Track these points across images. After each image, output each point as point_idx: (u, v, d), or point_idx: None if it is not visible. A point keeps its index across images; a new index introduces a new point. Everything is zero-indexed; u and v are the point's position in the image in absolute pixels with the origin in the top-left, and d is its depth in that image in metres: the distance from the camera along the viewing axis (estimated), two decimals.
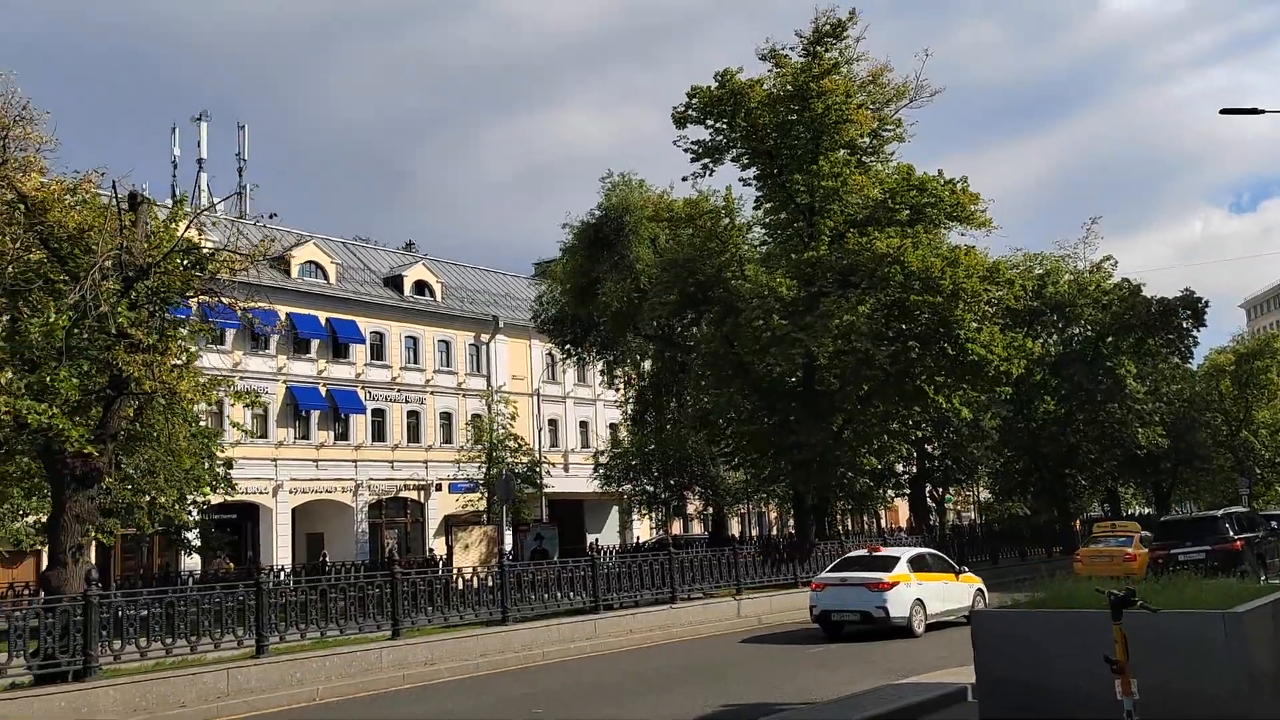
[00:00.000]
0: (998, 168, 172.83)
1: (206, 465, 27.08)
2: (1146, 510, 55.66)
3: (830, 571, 20.60)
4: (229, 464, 27.97)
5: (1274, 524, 27.79)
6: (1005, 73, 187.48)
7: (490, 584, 19.16)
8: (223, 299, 14.78)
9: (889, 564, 19.62)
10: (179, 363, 14.20)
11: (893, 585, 18.88)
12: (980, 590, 20.77)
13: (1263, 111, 24.44)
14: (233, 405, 26.75)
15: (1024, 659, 9.23)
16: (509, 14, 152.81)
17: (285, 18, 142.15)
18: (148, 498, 22.61)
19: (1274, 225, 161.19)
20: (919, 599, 19.07)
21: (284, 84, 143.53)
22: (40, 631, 12.74)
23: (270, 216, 24.73)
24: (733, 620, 23.13)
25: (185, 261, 14.33)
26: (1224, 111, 24.74)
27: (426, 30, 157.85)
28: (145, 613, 14.47)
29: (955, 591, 20.15)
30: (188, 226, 14.45)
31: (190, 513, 30.94)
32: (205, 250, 14.69)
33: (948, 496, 68.29)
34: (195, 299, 14.89)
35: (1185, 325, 37.86)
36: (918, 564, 19.97)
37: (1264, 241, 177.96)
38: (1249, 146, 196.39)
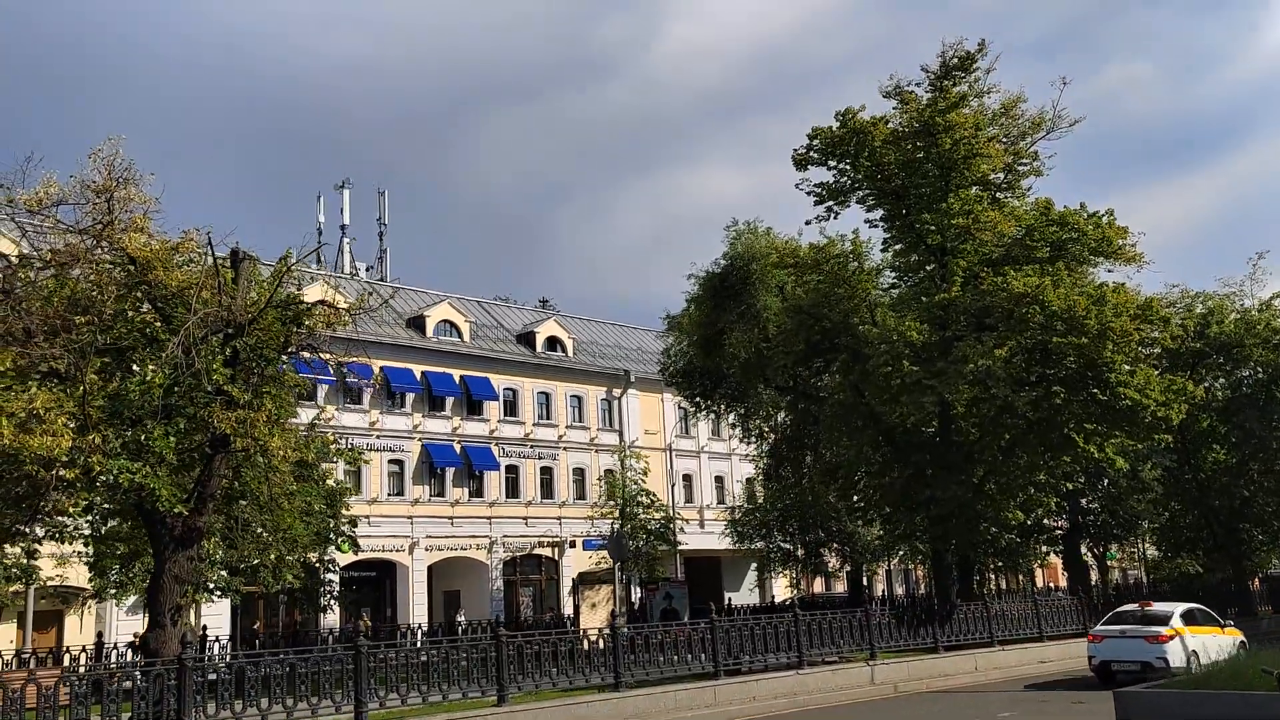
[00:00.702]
0: (1154, 208, 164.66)
1: (332, 524, 27.31)
2: None
3: (1104, 625, 21.73)
4: (353, 522, 28.02)
5: None
6: (1160, 109, 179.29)
7: (601, 646, 18.32)
8: (321, 354, 14.51)
9: (1163, 619, 21.02)
10: (275, 420, 13.97)
11: (1171, 638, 20.11)
12: (1243, 642, 21.62)
13: None
14: (336, 461, 26.84)
15: None
16: (648, 76, 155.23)
17: (431, 87, 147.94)
18: (273, 556, 22.68)
19: None
20: (1194, 650, 19.94)
21: (431, 152, 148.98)
22: (134, 695, 12.55)
23: (367, 269, 24.81)
24: (866, 687, 21.62)
25: (283, 316, 14.16)
26: None
27: (567, 94, 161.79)
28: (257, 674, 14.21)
29: (1223, 644, 21.00)
30: (280, 280, 14.30)
31: (329, 569, 31.28)
32: (302, 305, 14.50)
33: (1110, 553, 64.08)
34: (293, 354, 14.68)
35: None
36: (1188, 618, 21.33)
37: None
38: None
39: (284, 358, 15.22)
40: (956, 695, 20.88)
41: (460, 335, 49.66)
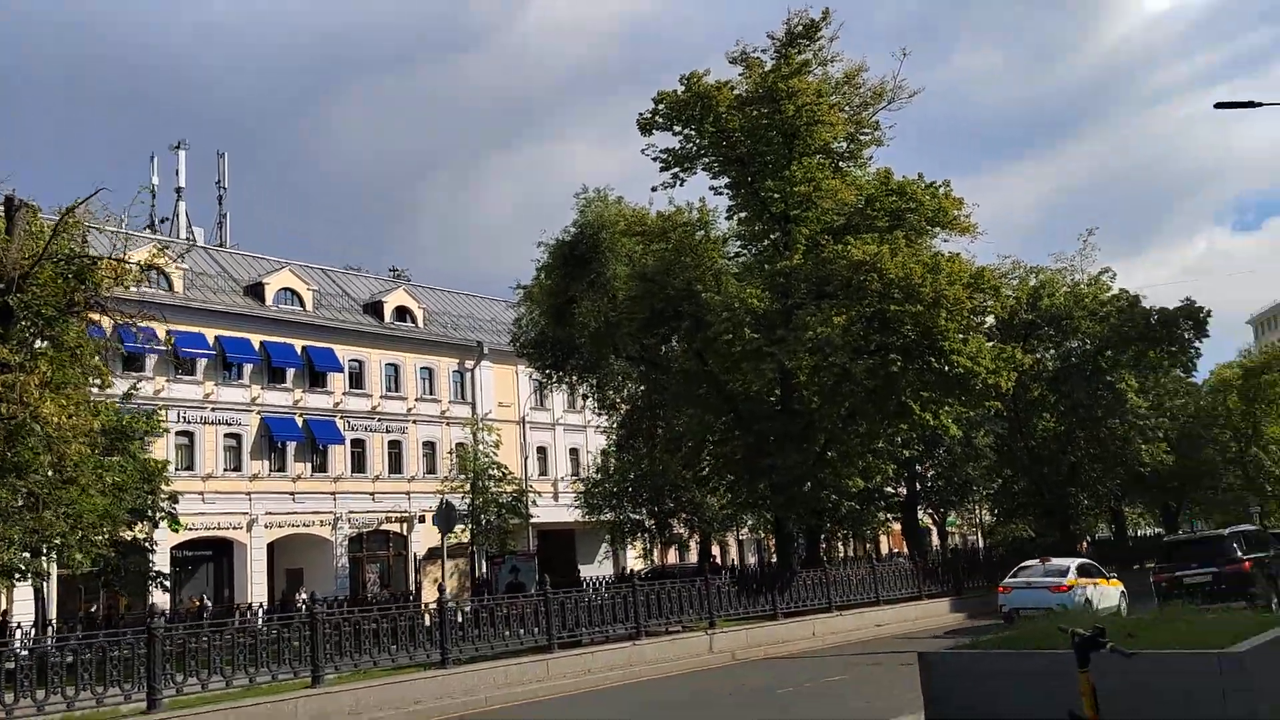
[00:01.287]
0: (999, 192, 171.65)
1: (150, 500, 25.65)
2: (1156, 530, 53.84)
3: (1011, 578, 24.68)
4: (174, 498, 26.38)
5: None
6: (1006, 98, 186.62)
7: (428, 623, 17.57)
8: (111, 315, 13.23)
9: (1062, 571, 23.90)
10: (50, 384, 12.66)
11: (1070, 588, 22.71)
12: (1123, 592, 24.51)
13: (1259, 105, 23.04)
14: (160, 434, 25.15)
15: (980, 708, 7.66)
16: (515, 50, 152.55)
17: (291, 56, 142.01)
18: (77, 535, 21.00)
19: (1278, 241, 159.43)
20: (1088, 598, 22.38)
21: (290, 122, 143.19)
22: None
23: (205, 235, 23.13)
24: (704, 656, 21.48)
25: (64, 271, 12.84)
26: (1218, 106, 23.28)
27: (432, 67, 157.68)
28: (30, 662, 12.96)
29: (1109, 592, 24.01)
30: (57, 231, 12.95)
31: (149, 548, 29.46)
32: (85, 260, 13.18)
33: (951, 519, 66.54)
34: (77, 313, 13.35)
35: (1187, 336, 36.17)
36: (1082, 570, 24.45)
37: (1271, 258, 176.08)
38: (1252, 164, 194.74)
39: (71, 319, 13.88)
40: (792, 660, 20.97)
41: (302, 304, 47.63)
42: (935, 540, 54.37)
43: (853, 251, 24.10)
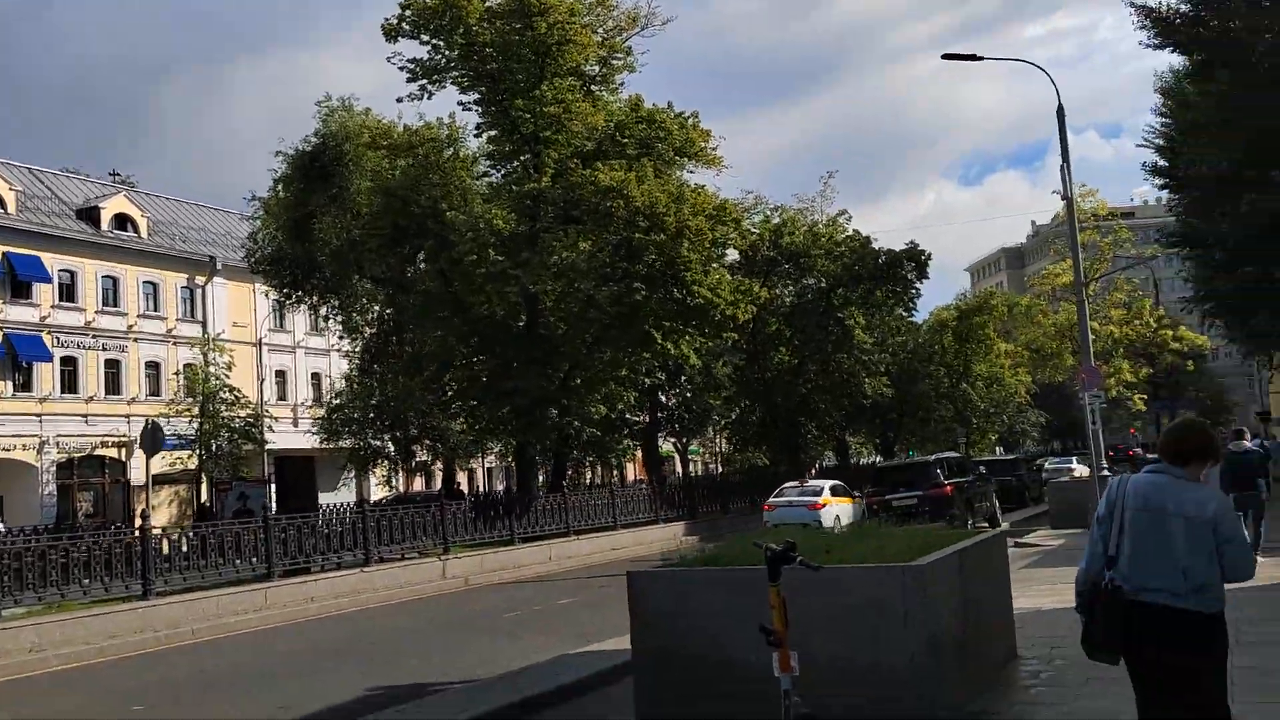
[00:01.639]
0: (752, 135, 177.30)
1: None
2: (875, 458, 57.76)
3: (775, 498, 26.27)
4: None
5: (982, 469, 28.39)
6: (763, 43, 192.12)
7: (129, 552, 16.22)
8: None
9: (817, 491, 25.90)
10: None
11: (824, 505, 24.31)
12: (864, 509, 25.60)
13: (980, 58, 24.54)
14: None
15: (683, 626, 7.69)
16: None
17: None
18: None
19: (997, 197, 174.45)
20: (838, 514, 23.85)
21: (9, 22, 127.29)
22: None
23: None
24: (437, 582, 21.15)
25: None
26: (945, 57, 24.72)
27: None
28: None
29: (855, 509, 25.37)
30: None
31: None
32: None
33: (694, 448, 68.90)
34: None
35: (909, 276, 38.66)
36: (834, 491, 26.18)
37: (989, 212, 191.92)
38: (977, 124, 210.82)
39: None
40: (525, 585, 20.97)
41: (3, 205, 42.71)
42: (679, 468, 56.14)
43: (600, 177, 23.94)
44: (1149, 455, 17.52)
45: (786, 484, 28.25)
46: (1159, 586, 4.67)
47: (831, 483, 27.98)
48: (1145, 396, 51.38)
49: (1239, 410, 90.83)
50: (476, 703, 9.13)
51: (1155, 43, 32.75)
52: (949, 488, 23.81)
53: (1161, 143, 38.23)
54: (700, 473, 63.25)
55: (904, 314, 41.77)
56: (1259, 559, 15.13)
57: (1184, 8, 31.72)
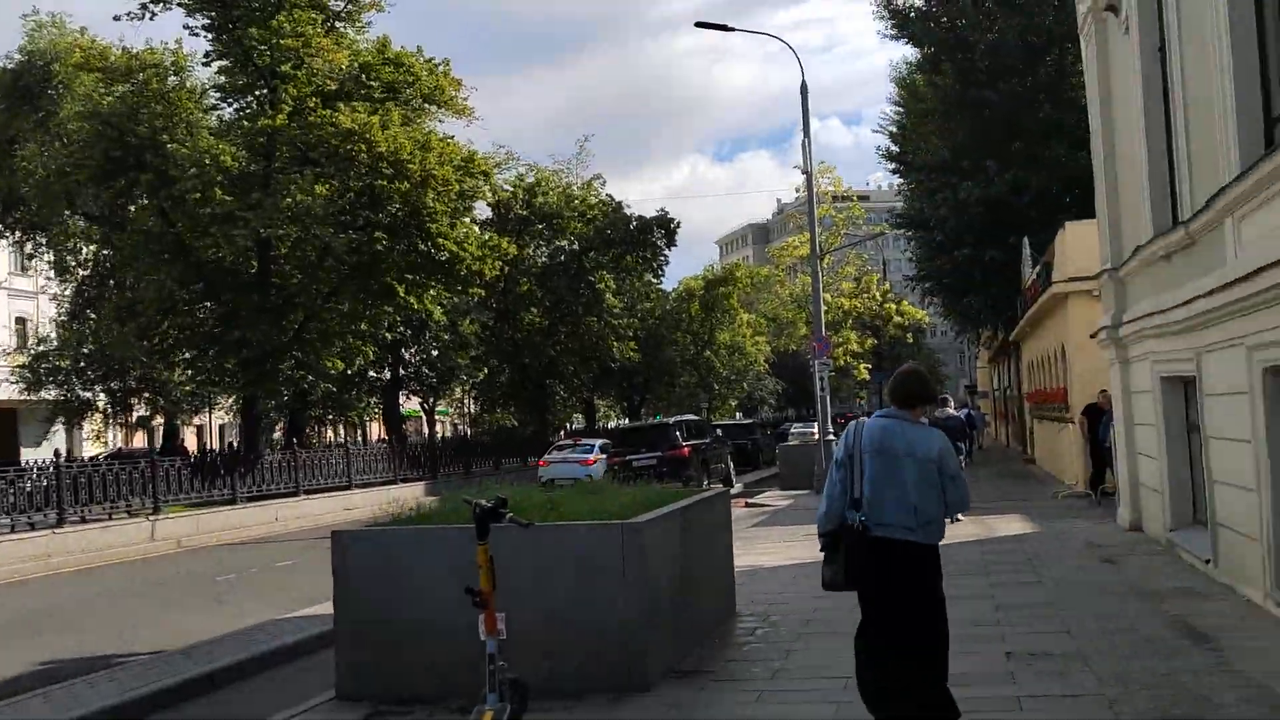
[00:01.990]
0: (520, 96, 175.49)
1: None
2: (623, 420, 58.72)
3: (550, 454, 27.51)
4: None
5: (719, 432, 29.34)
6: (534, 4, 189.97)
7: None
8: None
9: (589, 448, 26.93)
10: None
11: (594, 462, 25.23)
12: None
13: (731, 29, 24.96)
14: None
15: (390, 590, 7.20)
16: None
17: None
18: None
19: (747, 174, 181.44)
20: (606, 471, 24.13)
21: None
22: None
23: None
24: (145, 545, 19.49)
25: None
26: (698, 25, 25.06)
27: None
28: None
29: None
30: None
31: None
32: None
33: (443, 408, 67.66)
34: None
35: (659, 243, 39.31)
36: (603, 449, 26.81)
37: (739, 188, 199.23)
38: (732, 102, 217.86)
39: None
40: (244, 547, 19.69)
41: None
42: (425, 427, 54.92)
43: (342, 119, 22.63)
44: None
45: (562, 440, 29.61)
46: (894, 522, 5.11)
47: (602, 441, 29.08)
48: (870, 366, 54.81)
49: (950, 382, 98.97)
50: (159, 676, 8.27)
51: (892, 34, 34.66)
52: (686, 449, 24.36)
53: (894, 130, 40.63)
54: (449, 433, 62.22)
55: (653, 280, 42.43)
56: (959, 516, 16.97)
57: (918, 3, 33.60)
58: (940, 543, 5.39)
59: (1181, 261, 10.30)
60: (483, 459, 34.76)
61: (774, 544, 14.96)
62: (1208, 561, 9.87)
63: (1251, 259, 7.77)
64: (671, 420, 27.17)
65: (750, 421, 40.43)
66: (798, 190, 45.10)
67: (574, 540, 7.14)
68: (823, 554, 5.39)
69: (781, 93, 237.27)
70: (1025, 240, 27.24)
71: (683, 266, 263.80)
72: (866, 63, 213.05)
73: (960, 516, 16.17)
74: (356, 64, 25.08)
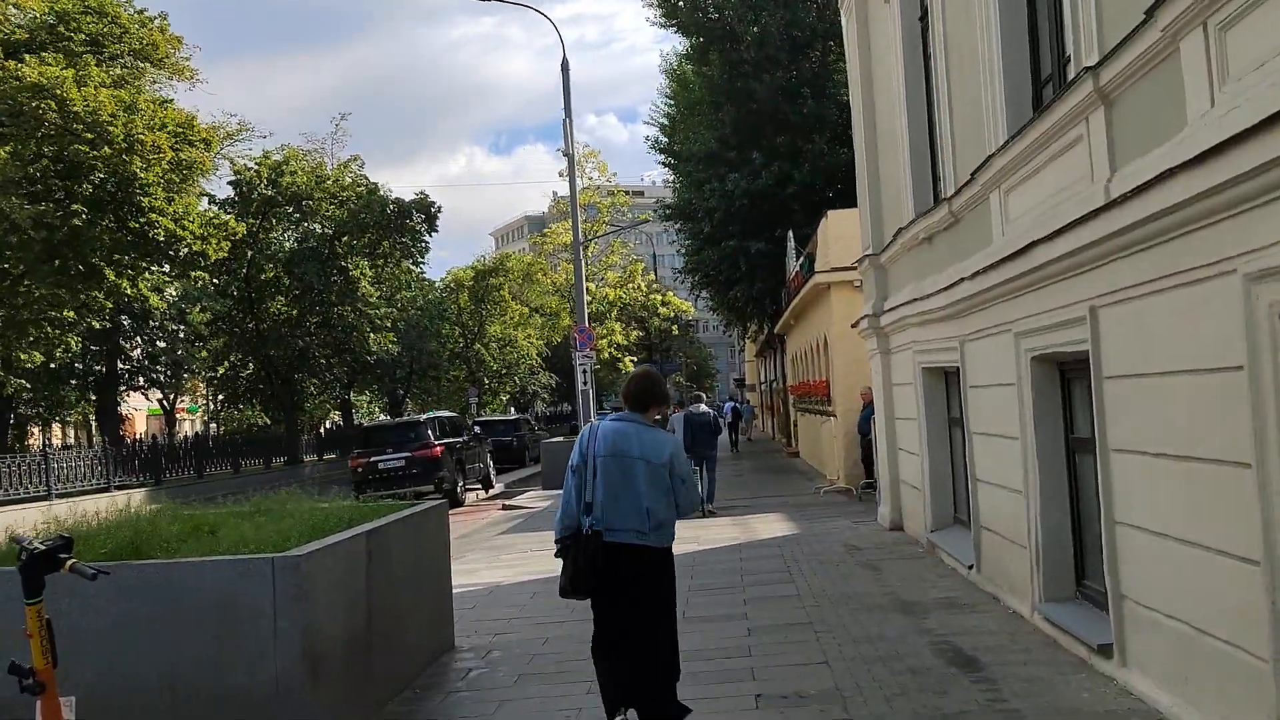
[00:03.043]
0: (287, 81, 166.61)
1: None
2: (386, 417, 55.91)
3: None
4: None
5: (477, 429, 27.45)
6: None
7: None
8: None
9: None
10: None
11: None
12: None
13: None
14: None
15: None
16: None
17: None
18: None
19: (523, 167, 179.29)
20: None
21: None
22: None
23: None
24: None
25: None
26: None
27: None
28: None
29: None
30: None
31: None
32: None
33: (192, 406, 62.47)
34: None
35: (419, 228, 37.07)
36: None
37: (515, 180, 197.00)
38: (509, 94, 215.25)
39: None
40: None
41: None
42: (164, 425, 50.23)
43: (28, 72, 19.38)
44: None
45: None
46: (628, 526, 5.05)
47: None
48: (636, 360, 54.27)
49: (720, 376, 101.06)
50: None
51: (660, 22, 34.01)
52: (439, 448, 22.49)
53: (664, 122, 40.14)
54: (197, 432, 57.30)
55: (412, 267, 40.10)
56: (711, 510, 16.08)
57: None
58: (673, 544, 5.38)
59: (945, 243, 9.55)
60: (220, 461, 31.60)
61: (521, 554, 13.53)
62: (971, 567, 9.15)
63: (1020, 235, 6.95)
64: (423, 417, 25.04)
65: (516, 417, 38.80)
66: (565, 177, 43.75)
67: (206, 582, 5.40)
68: (560, 559, 5.31)
69: (557, 86, 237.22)
70: (790, 233, 27.10)
71: (460, 260, 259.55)
72: (643, 60, 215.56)
73: (715, 510, 16.47)
74: (53, 12, 21.72)
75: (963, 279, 8.43)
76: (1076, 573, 7.16)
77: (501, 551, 14.04)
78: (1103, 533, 5.97)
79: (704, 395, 21.23)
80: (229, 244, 23.59)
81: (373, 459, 22.32)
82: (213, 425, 53.62)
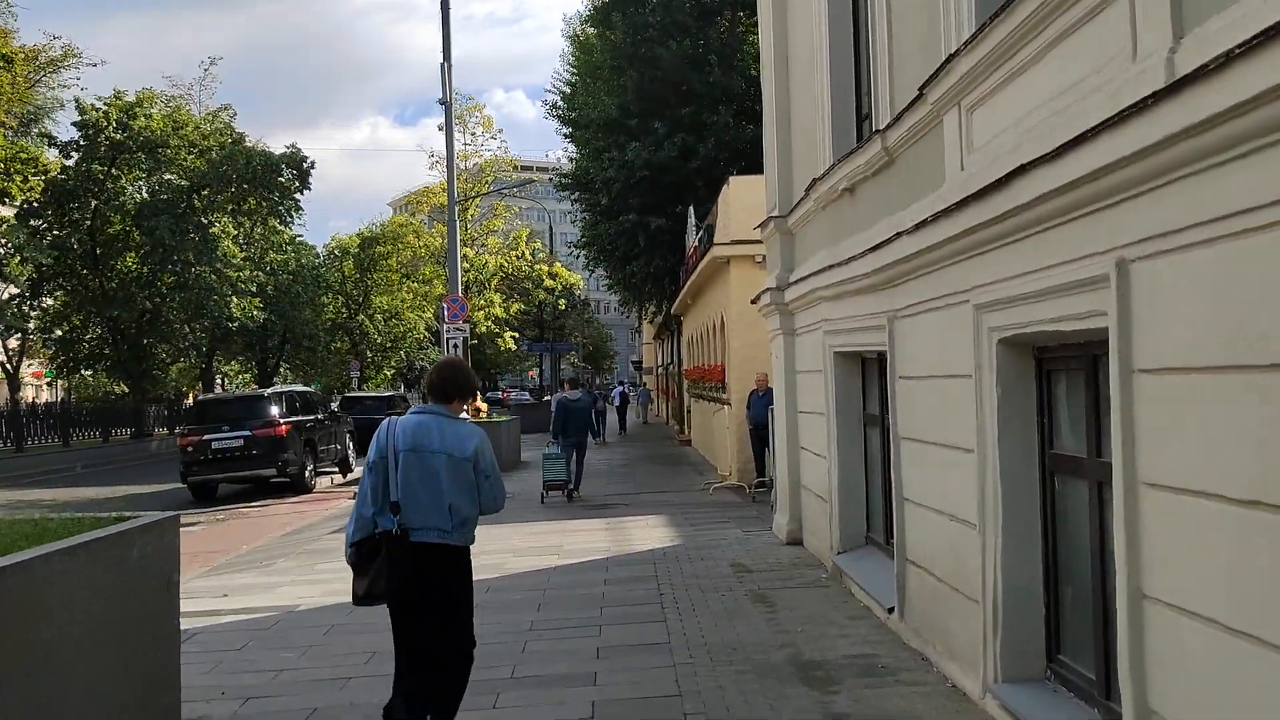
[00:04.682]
0: (188, 37, 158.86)
1: None
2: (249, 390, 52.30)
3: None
4: None
5: (334, 406, 24.45)
6: None
7: None
8: None
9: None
10: None
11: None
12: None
13: None
14: None
15: None
16: None
17: None
18: None
19: (426, 139, 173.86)
20: None
21: None
22: None
23: None
24: None
25: None
26: None
27: None
28: None
29: None
30: None
31: None
32: None
33: (49, 370, 57.64)
34: None
35: (289, 184, 33.82)
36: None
37: (418, 150, 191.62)
38: (414, 66, 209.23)
39: None
40: None
41: None
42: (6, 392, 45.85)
43: None
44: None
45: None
46: (430, 525, 4.69)
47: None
48: (516, 335, 51.44)
49: (620, 358, 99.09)
50: None
51: None
52: (284, 426, 19.69)
53: (566, 90, 37.66)
54: (52, 399, 52.59)
55: (280, 227, 36.82)
56: (578, 494, 15.75)
57: None
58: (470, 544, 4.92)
59: (873, 192, 7.45)
60: (46, 433, 28.22)
61: (344, 563, 11.07)
62: (891, 610, 7.08)
63: (991, 165, 4.84)
64: (268, 390, 22.12)
65: (390, 394, 35.77)
66: (461, 155, 40.40)
67: None
68: (353, 567, 4.85)
69: (465, 59, 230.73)
70: (691, 210, 25.20)
71: (347, 228, 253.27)
72: (554, 38, 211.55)
73: (582, 495, 15.52)
74: None
75: (900, 234, 6.32)
76: (1049, 645, 5.12)
77: (322, 557, 11.56)
78: (1121, 607, 3.88)
79: (578, 381, 20.61)
80: (40, 183, 20.33)
81: (205, 437, 19.42)
82: (64, 393, 49.28)
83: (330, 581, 9.91)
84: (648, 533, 12.20)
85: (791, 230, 10.70)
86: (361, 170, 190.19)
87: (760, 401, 15.74)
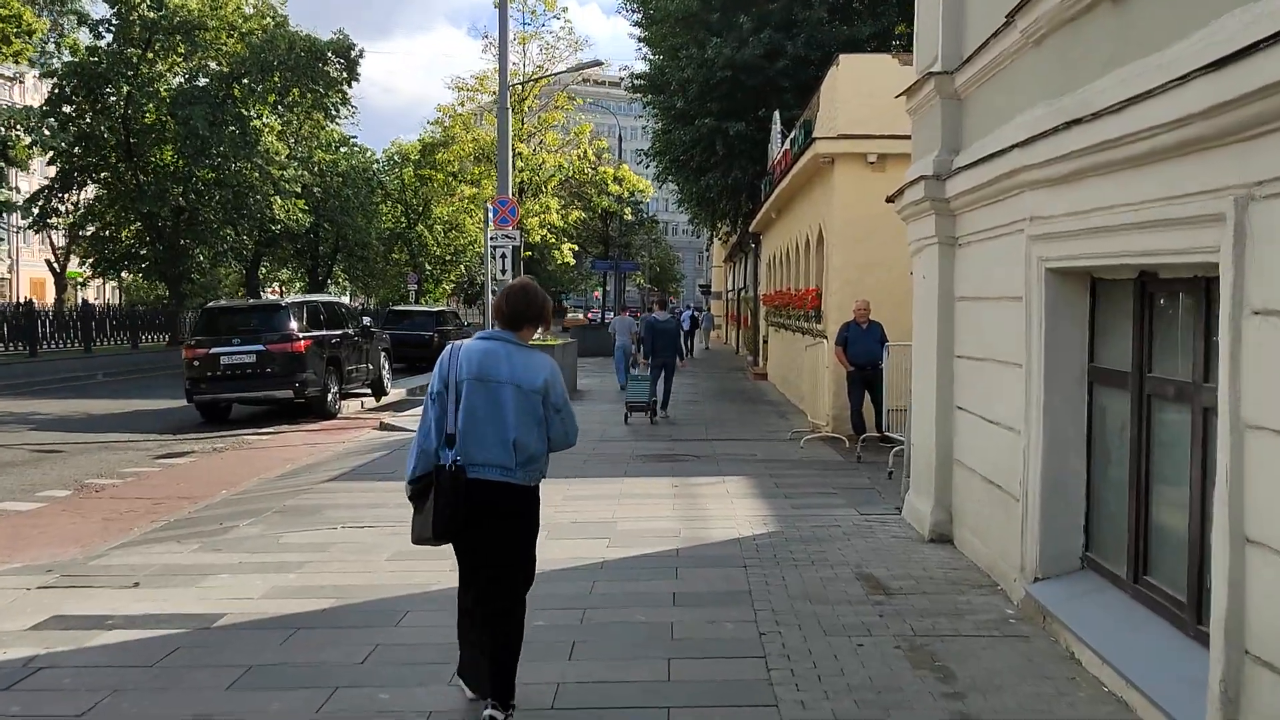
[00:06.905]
0: None
1: None
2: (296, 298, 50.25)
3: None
4: None
5: (368, 320, 21.44)
6: None
7: None
8: None
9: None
10: None
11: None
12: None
13: None
14: None
15: None
16: None
17: None
18: None
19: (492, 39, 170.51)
20: None
21: None
22: None
23: None
24: None
25: None
26: None
27: None
28: None
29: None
30: None
31: None
32: None
33: (72, 271, 56.09)
34: None
35: (337, 75, 30.87)
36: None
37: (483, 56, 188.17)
38: None
39: None
40: None
41: None
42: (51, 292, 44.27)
43: None
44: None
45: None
46: (492, 461, 4.29)
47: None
48: (576, 248, 47.21)
49: (686, 282, 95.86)
50: None
51: None
52: (303, 342, 17.02)
53: None
54: (107, 299, 51.01)
55: (326, 122, 33.97)
56: (666, 415, 15.69)
57: None
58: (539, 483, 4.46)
59: (1135, 10, 4.19)
60: (64, 337, 26.04)
61: (320, 531, 8.25)
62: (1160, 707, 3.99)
63: None
64: (287, 300, 19.39)
65: (440, 309, 32.94)
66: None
67: None
68: (412, 503, 4.42)
69: None
70: (776, 115, 22.00)
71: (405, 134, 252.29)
72: None
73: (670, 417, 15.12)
74: None
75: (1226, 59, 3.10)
76: None
77: (297, 520, 8.72)
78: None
79: (668, 301, 19.89)
80: (24, 39, 17.60)
81: (213, 350, 16.83)
82: (107, 296, 47.68)
83: (286, 570, 7.06)
84: (729, 506, 9.21)
85: (959, 94, 7.43)
86: (432, 86, 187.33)
87: (866, 336, 12.72)
